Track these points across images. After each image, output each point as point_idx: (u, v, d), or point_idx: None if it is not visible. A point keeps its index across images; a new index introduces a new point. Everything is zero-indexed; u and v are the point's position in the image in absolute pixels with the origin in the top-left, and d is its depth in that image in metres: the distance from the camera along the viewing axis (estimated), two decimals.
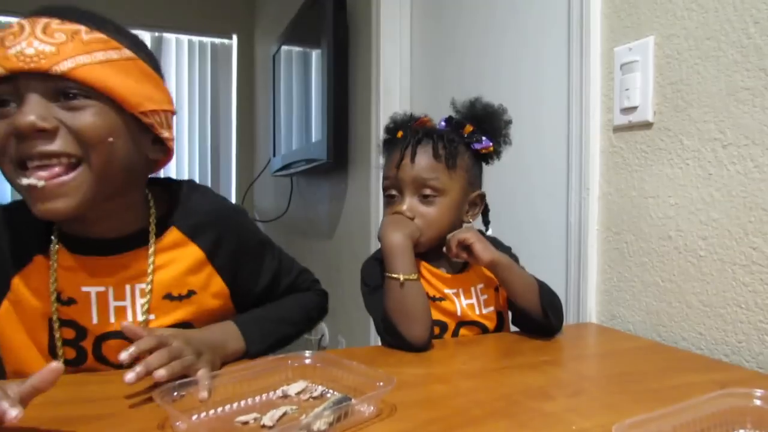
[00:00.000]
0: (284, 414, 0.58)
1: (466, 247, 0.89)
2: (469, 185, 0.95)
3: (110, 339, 0.77)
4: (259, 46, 4.00)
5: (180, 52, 3.95)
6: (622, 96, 1.07)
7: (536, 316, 0.91)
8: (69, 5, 0.70)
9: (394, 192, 0.93)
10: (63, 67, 0.64)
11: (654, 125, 1.02)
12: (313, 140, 2.44)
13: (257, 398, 0.63)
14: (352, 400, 0.57)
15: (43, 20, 0.66)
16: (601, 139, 1.13)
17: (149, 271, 0.78)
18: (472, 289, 0.95)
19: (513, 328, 1.01)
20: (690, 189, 0.96)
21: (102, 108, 0.68)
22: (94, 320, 0.76)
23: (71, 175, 0.68)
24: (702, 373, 0.77)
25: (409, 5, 1.97)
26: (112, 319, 0.77)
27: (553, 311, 0.91)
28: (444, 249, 0.93)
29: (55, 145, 0.66)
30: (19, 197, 0.73)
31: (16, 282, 0.76)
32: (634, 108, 1.05)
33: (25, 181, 0.66)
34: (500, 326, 0.97)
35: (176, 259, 0.81)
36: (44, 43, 0.65)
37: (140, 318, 0.78)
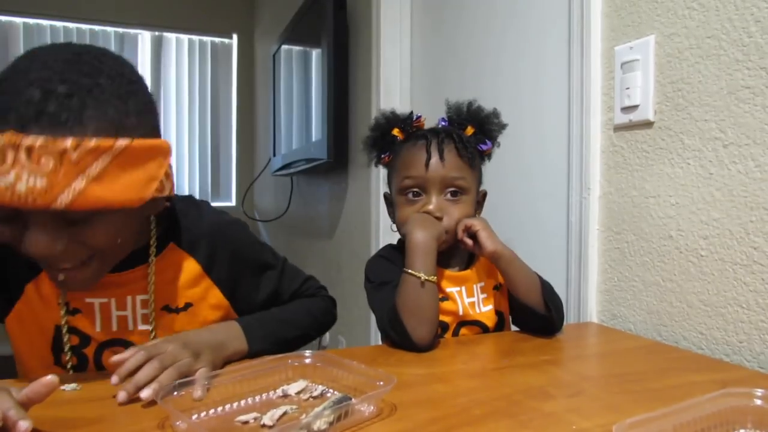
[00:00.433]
0: (284, 413, 0.58)
1: (472, 234, 0.90)
2: (480, 184, 0.99)
3: (111, 347, 0.79)
4: (259, 46, 4.00)
5: (180, 51, 3.95)
6: (622, 95, 1.07)
7: (538, 311, 0.91)
8: (50, 72, 0.62)
9: (417, 190, 0.94)
10: (60, 203, 0.60)
11: (655, 124, 1.02)
12: (314, 140, 2.44)
13: (257, 398, 0.63)
14: (353, 399, 0.57)
15: (26, 142, 0.58)
16: (602, 138, 1.13)
17: (149, 283, 0.80)
18: (474, 287, 0.96)
19: (513, 329, 1.01)
20: (691, 188, 0.96)
21: (106, 216, 0.66)
22: (98, 328, 0.79)
23: (86, 271, 0.70)
24: (703, 373, 0.77)
25: (409, 5, 1.96)
26: (114, 328, 0.80)
27: (555, 307, 0.92)
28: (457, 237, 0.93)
29: (68, 262, 0.68)
30: None
31: (29, 288, 0.79)
32: (635, 107, 1.05)
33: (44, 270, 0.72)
34: (500, 326, 0.97)
35: (175, 273, 0.83)
36: (33, 174, 0.59)
37: (141, 327, 0.80)
